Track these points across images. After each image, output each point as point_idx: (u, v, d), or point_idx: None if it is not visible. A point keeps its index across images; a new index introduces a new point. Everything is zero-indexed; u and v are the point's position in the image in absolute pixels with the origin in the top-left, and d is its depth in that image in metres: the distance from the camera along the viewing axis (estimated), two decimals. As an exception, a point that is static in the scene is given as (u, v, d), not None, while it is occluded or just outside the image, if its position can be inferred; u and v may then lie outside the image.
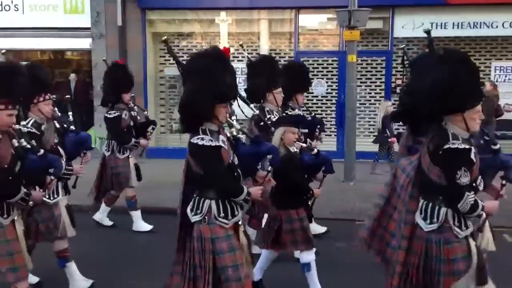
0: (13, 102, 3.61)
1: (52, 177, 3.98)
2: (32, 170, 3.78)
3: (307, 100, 12.34)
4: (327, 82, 12.30)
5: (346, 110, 10.25)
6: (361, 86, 12.01)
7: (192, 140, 3.48)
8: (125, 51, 12.34)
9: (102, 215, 7.23)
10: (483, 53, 11.82)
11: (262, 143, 3.82)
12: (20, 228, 3.75)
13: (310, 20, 12.39)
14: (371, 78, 12.18)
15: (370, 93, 12.25)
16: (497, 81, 11.55)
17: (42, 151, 3.86)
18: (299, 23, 12.10)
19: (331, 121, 12.27)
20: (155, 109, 12.66)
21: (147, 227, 7.02)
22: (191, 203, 3.62)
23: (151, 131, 7.22)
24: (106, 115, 6.79)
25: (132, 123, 6.95)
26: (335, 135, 12.19)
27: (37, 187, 3.97)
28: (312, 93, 12.31)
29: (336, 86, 12.16)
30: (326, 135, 12.28)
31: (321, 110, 12.30)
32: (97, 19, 12.42)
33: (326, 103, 12.37)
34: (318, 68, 12.32)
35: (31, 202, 3.84)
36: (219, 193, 3.55)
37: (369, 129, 12.33)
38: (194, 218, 3.59)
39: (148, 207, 7.60)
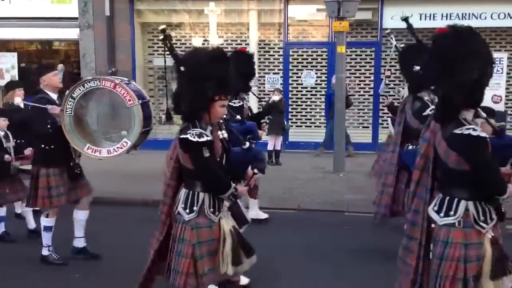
0: (226, 93, 3.56)
1: (256, 171, 3.83)
2: (237, 163, 3.71)
3: (297, 91, 12.39)
4: (316, 73, 12.30)
5: (335, 101, 10.25)
6: (350, 77, 12.02)
7: (183, 136, 3.45)
8: (113, 41, 12.26)
9: (256, 211, 6.84)
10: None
11: (252, 148, 3.80)
12: (227, 226, 3.62)
13: (299, 11, 12.36)
14: (360, 69, 12.20)
15: (360, 84, 12.26)
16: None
17: (247, 144, 3.78)
18: (288, 14, 12.07)
19: (320, 112, 12.29)
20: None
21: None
22: (182, 199, 3.59)
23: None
24: (230, 103, 6.27)
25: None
26: (324, 126, 12.21)
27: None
28: (302, 84, 12.32)
29: (326, 77, 12.16)
30: (315, 126, 12.36)
31: (311, 101, 12.31)
32: (85, 9, 12.30)
33: (316, 94, 12.38)
34: (307, 59, 12.31)
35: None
36: (207, 188, 3.54)
37: (358, 120, 12.36)
38: (189, 216, 3.54)
39: (139, 199, 7.60)
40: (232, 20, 12.51)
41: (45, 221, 5.46)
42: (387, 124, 12.04)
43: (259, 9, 12.43)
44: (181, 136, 3.46)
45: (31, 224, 6.44)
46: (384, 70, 12.07)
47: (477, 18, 11.30)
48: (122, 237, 6.21)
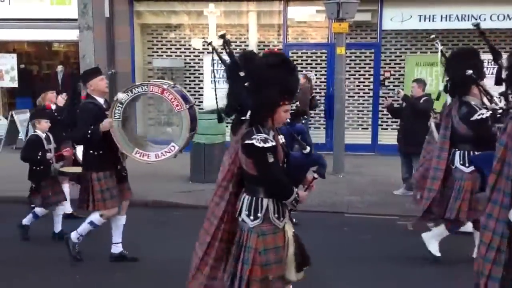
0: (291, 98, 3.50)
1: (316, 176, 3.69)
2: (297, 168, 3.62)
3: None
4: (316, 75, 12.30)
5: (335, 102, 10.27)
6: (349, 78, 12.03)
7: (247, 141, 3.35)
8: (112, 42, 12.26)
9: None
10: (471, 46, 11.86)
11: (311, 154, 3.72)
12: (290, 232, 3.56)
13: (299, 12, 12.37)
14: (359, 71, 12.21)
15: (359, 86, 12.27)
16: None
17: (308, 148, 3.67)
18: (287, 15, 12.08)
19: (319, 114, 12.29)
20: (143, 101, 12.59)
21: None
22: (245, 206, 3.51)
23: None
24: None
25: None
26: (324, 128, 12.22)
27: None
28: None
29: (325, 78, 12.17)
30: (315, 127, 12.36)
31: (310, 103, 12.29)
32: (84, 10, 12.30)
33: (315, 96, 12.36)
34: (307, 60, 12.32)
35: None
36: (271, 194, 3.47)
37: (358, 121, 12.37)
38: (254, 223, 3.47)
39: (137, 200, 7.59)
40: (231, 22, 12.52)
41: (95, 218, 5.50)
42: (387, 125, 12.09)
43: (258, 11, 12.44)
44: (246, 142, 3.37)
45: (57, 228, 6.43)
46: (384, 71, 12.09)
47: (476, 19, 11.29)
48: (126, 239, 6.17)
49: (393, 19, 11.60)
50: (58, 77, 13.83)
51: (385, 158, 10.12)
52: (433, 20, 11.48)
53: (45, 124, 6.27)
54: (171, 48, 12.79)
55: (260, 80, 3.42)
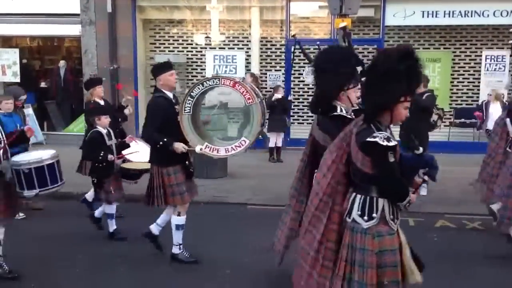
0: (413, 94, 3.37)
1: (426, 178, 3.55)
2: (408, 169, 3.48)
3: (298, 88, 12.37)
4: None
5: (337, 98, 10.23)
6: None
7: (370, 139, 3.21)
8: (115, 37, 12.24)
9: None
10: (474, 42, 11.84)
11: (424, 155, 3.56)
12: (403, 235, 3.48)
13: (301, 8, 12.33)
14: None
15: (362, 81, 12.22)
16: (487, 70, 11.58)
17: (421, 149, 3.52)
18: (290, 11, 12.04)
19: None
20: (146, 97, 12.58)
21: None
22: (356, 206, 3.35)
23: None
24: None
25: None
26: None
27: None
28: (304, 81, 12.30)
29: (327, 74, 12.11)
30: (308, 123, 12.31)
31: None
32: (87, 5, 12.28)
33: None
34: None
35: None
36: (386, 194, 3.33)
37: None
38: (368, 224, 3.31)
39: (137, 195, 7.57)
40: (234, 17, 12.49)
41: (176, 220, 5.46)
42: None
43: (261, 6, 12.41)
44: (368, 140, 3.22)
45: (112, 225, 6.38)
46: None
47: (479, 15, 11.26)
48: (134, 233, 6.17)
49: (396, 15, 11.55)
50: (60, 72, 13.85)
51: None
52: (436, 16, 11.43)
53: (105, 120, 6.20)
54: (173, 44, 12.77)
55: (386, 74, 3.25)
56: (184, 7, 12.62)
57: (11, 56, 13.07)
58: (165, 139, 5.18)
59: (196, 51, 12.69)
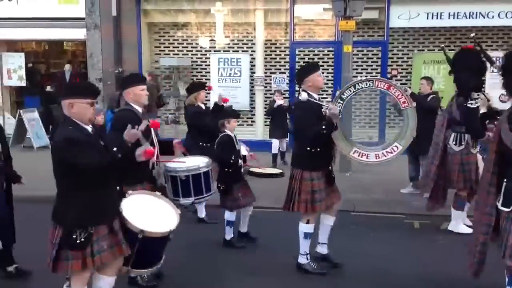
0: None
1: None
2: None
3: (302, 90, 12.35)
4: (323, 73, 12.25)
5: (342, 100, 10.22)
6: (356, 76, 11.99)
7: None
8: (120, 41, 12.30)
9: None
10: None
11: None
12: None
13: (306, 11, 12.34)
14: (367, 69, 12.16)
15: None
16: (493, 71, 11.53)
17: None
18: (294, 13, 12.06)
19: (326, 112, 12.24)
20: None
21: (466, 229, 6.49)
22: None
23: None
24: (468, 105, 5.95)
25: None
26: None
27: None
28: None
29: (332, 76, 12.14)
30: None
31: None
32: (92, 9, 12.35)
33: (322, 94, 12.33)
34: (314, 58, 12.29)
35: None
36: None
37: (365, 119, 12.33)
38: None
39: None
40: (238, 20, 12.51)
41: (305, 227, 5.27)
42: (394, 123, 12.03)
43: (265, 9, 12.42)
44: None
45: (244, 228, 6.29)
46: (391, 69, 12.05)
47: (484, 17, 11.25)
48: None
49: (401, 16, 11.55)
50: (65, 76, 13.93)
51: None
52: (440, 18, 11.41)
53: (234, 123, 6.14)
54: (178, 47, 12.81)
55: None
56: (188, 10, 12.66)
57: (17, 60, 13.14)
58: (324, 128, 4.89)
59: (201, 54, 12.72)
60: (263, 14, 12.37)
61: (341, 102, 5.13)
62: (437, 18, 11.43)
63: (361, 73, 12.14)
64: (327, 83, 12.27)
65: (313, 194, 5.08)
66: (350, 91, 5.15)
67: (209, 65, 12.52)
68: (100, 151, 3.72)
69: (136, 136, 3.84)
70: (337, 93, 5.13)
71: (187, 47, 12.79)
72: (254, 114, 12.30)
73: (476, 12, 11.25)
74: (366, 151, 5.18)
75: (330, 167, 5.22)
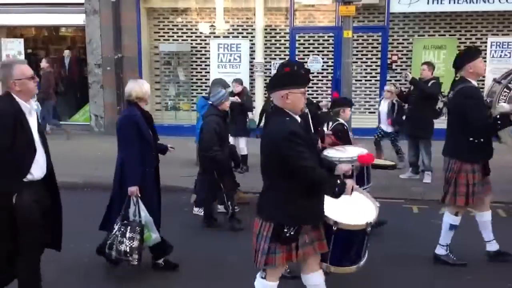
0: None
1: None
2: None
3: (303, 76, 12.33)
4: (323, 58, 12.25)
5: (342, 86, 10.20)
6: (357, 62, 11.97)
7: None
8: (119, 27, 12.24)
9: None
10: (479, 29, 11.76)
11: None
12: None
13: (306, -4, 12.26)
14: (367, 54, 12.13)
15: (366, 69, 12.20)
16: (493, 56, 11.51)
17: None
18: (294, -1, 12.00)
19: (327, 98, 12.22)
20: (150, 86, 12.61)
21: None
22: None
23: None
24: None
25: None
26: (331, 112, 12.15)
27: None
28: (309, 69, 12.25)
29: (332, 62, 12.11)
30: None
31: (317, 87, 12.26)
32: (91, -6, 12.29)
33: (322, 80, 12.34)
34: (314, 44, 12.25)
35: None
36: None
37: (365, 105, 12.32)
38: None
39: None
40: (238, 5, 12.44)
41: (452, 219, 5.17)
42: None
43: (265, -6, 12.35)
44: None
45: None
46: (391, 55, 12.01)
47: (485, 2, 11.16)
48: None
49: (401, 1, 11.47)
50: (65, 61, 13.89)
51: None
52: (441, 3, 11.33)
53: (348, 112, 6.25)
54: (177, 33, 12.76)
55: None
56: (188, -4, 12.58)
57: (16, 46, 13.11)
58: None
59: (201, 40, 12.67)
60: (263, -1, 12.28)
61: (507, 91, 4.98)
62: (437, 3, 11.35)
63: (361, 58, 12.11)
64: (327, 69, 12.26)
65: (472, 187, 4.96)
66: None
67: (208, 51, 12.48)
68: (313, 146, 3.72)
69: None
70: (504, 81, 4.98)
71: (187, 32, 12.74)
72: (254, 100, 12.26)
73: (477, -3, 11.18)
74: None
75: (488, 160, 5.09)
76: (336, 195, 3.49)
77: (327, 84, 12.27)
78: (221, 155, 6.17)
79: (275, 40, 12.42)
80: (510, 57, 11.41)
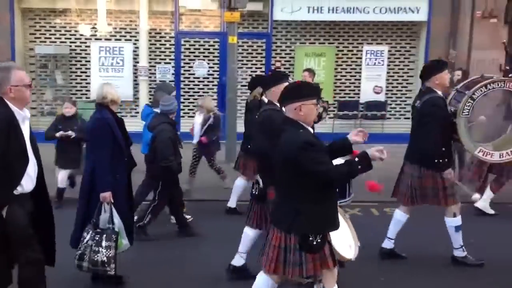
0: None
1: None
2: None
3: (189, 81, 12.28)
4: (208, 63, 12.26)
5: (227, 91, 10.30)
6: (242, 67, 12.12)
7: None
8: (-9, 27, 11.40)
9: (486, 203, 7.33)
10: (356, 38, 12.41)
11: None
12: None
13: (191, 0, 12.20)
14: (252, 60, 12.33)
15: (251, 75, 12.39)
16: (368, 64, 12.21)
17: None
18: (179, 3, 11.89)
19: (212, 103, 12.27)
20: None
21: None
22: None
23: None
24: None
25: None
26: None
27: None
28: (194, 74, 12.22)
29: (218, 67, 12.16)
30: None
31: (203, 92, 12.25)
32: (-43, -9, 11.32)
33: (208, 85, 12.34)
34: (199, 49, 12.23)
35: None
36: None
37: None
38: None
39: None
40: (122, 7, 12.08)
41: (454, 221, 5.40)
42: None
43: (149, -3, 12.12)
44: None
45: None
46: (275, 61, 12.30)
47: (361, 12, 11.82)
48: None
49: (284, 9, 11.81)
50: None
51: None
52: (321, 12, 11.82)
53: None
54: (55, 34, 12.12)
55: None
56: (67, -4, 12.01)
57: None
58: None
59: (80, 42, 12.14)
60: (148, 2, 12.04)
61: (471, 102, 5.24)
62: (317, 12, 11.84)
63: (247, 64, 12.29)
64: (213, 74, 12.29)
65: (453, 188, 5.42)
66: (482, 91, 5.26)
67: (89, 53, 11.99)
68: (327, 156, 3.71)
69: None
70: (468, 92, 5.27)
71: (66, 34, 12.14)
72: (138, 105, 11.98)
73: (354, 7, 11.80)
74: (490, 150, 5.44)
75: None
76: (365, 168, 3.58)
77: (213, 89, 12.30)
78: (175, 164, 6.07)
79: (160, 44, 12.23)
80: (383, 64, 12.17)
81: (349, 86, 12.47)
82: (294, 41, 12.35)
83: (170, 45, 12.18)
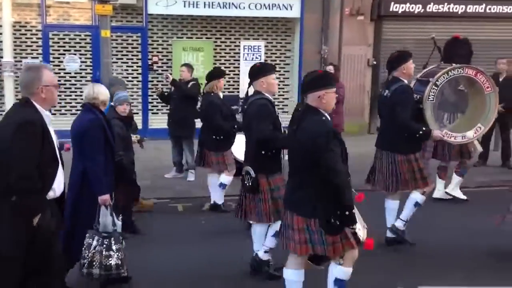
0: None
1: None
2: None
3: (59, 76, 11.59)
4: (80, 58, 11.68)
5: (102, 87, 9.86)
6: (117, 62, 11.70)
7: None
8: None
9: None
10: (233, 33, 12.50)
11: None
12: None
13: (59, -8, 11.53)
14: (127, 55, 11.94)
15: (127, 70, 12.01)
16: (246, 59, 12.36)
17: None
18: (47, -5, 11.19)
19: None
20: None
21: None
22: None
23: None
24: None
25: None
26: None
27: None
28: (65, 69, 11.59)
29: (91, 62, 11.64)
30: (72, 114, 11.74)
31: (75, 88, 11.65)
32: None
33: (81, 80, 11.76)
34: (70, 43, 11.61)
35: None
36: None
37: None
38: None
39: None
40: (-20, -2, 11.11)
41: (420, 198, 5.71)
42: (157, 110, 12.08)
43: (13, -12, 11.26)
44: None
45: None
46: (152, 56, 12.03)
47: (236, 7, 11.91)
48: None
49: (158, 3, 11.56)
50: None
51: (157, 142, 10.06)
52: (197, 7, 11.74)
53: None
54: None
55: None
56: None
57: None
58: (424, 129, 5.48)
59: None
60: (10, -7, 11.18)
61: (435, 88, 5.58)
62: (193, 6, 11.73)
63: (122, 59, 11.89)
64: (86, 69, 11.74)
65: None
66: (444, 78, 5.62)
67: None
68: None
69: None
70: (432, 79, 5.57)
71: None
72: (4, 103, 11.11)
73: (229, 3, 11.85)
74: (454, 133, 5.89)
75: None
76: (348, 211, 3.74)
77: (86, 84, 11.72)
78: (126, 160, 5.68)
79: (26, 38, 11.44)
80: (260, 59, 12.38)
81: (229, 81, 12.54)
82: (171, 36, 12.14)
83: (37, 38, 11.44)
